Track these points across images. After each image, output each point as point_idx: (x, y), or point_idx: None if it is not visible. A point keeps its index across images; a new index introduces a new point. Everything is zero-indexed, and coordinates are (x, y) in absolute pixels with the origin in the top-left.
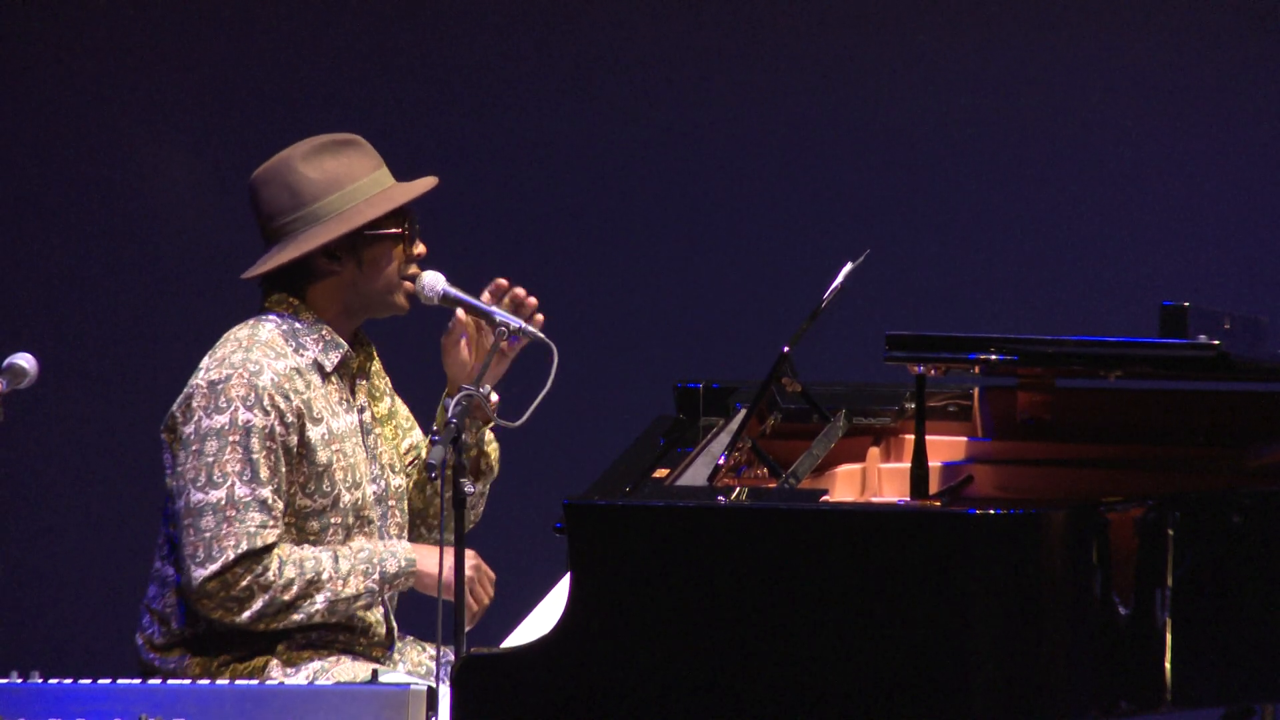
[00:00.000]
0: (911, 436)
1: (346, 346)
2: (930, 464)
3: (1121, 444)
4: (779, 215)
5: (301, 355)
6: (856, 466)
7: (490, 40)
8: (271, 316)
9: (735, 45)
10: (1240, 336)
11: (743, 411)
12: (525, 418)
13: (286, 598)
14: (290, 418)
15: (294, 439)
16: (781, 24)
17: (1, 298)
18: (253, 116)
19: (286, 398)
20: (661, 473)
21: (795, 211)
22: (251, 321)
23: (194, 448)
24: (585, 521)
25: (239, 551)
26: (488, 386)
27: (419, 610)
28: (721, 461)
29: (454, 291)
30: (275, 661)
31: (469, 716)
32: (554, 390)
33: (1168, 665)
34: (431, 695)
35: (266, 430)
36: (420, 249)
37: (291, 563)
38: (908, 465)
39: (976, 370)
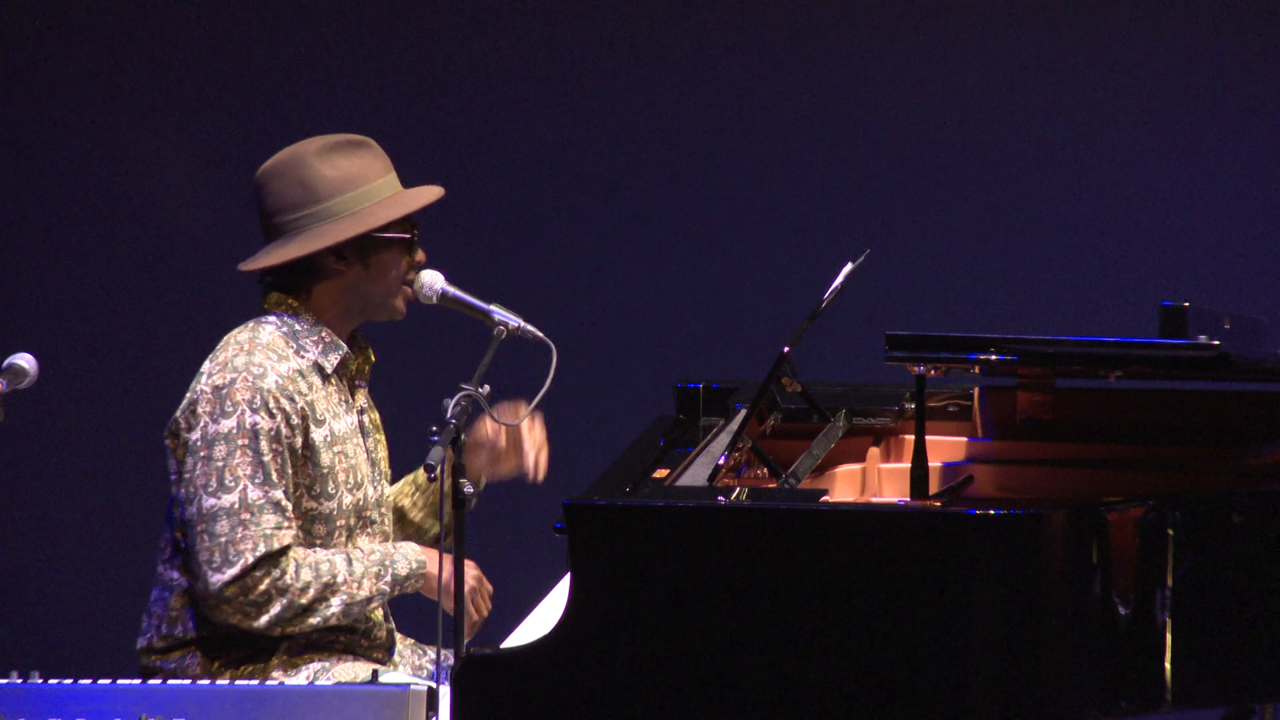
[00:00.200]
0: (911, 436)
1: (346, 348)
2: (930, 464)
3: (1121, 444)
4: (779, 215)
5: (302, 357)
6: (856, 466)
7: (490, 41)
8: (271, 318)
9: (735, 45)
10: (1240, 336)
11: (743, 411)
12: (525, 417)
13: (304, 601)
14: (295, 420)
15: (299, 441)
16: (781, 24)
17: (1, 298)
18: (253, 117)
19: (291, 400)
20: (661, 473)
21: (795, 211)
22: (252, 324)
23: (202, 454)
24: (585, 521)
25: (257, 554)
26: (487, 387)
27: (418, 612)
28: (721, 461)
29: (452, 290)
30: (275, 662)
31: (469, 716)
32: (554, 390)
33: (1168, 665)
34: (431, 695)
35: (274, 433)
36: (420, 256)
37: (307, 566)
38: (908, 465)
39: (976, 370)
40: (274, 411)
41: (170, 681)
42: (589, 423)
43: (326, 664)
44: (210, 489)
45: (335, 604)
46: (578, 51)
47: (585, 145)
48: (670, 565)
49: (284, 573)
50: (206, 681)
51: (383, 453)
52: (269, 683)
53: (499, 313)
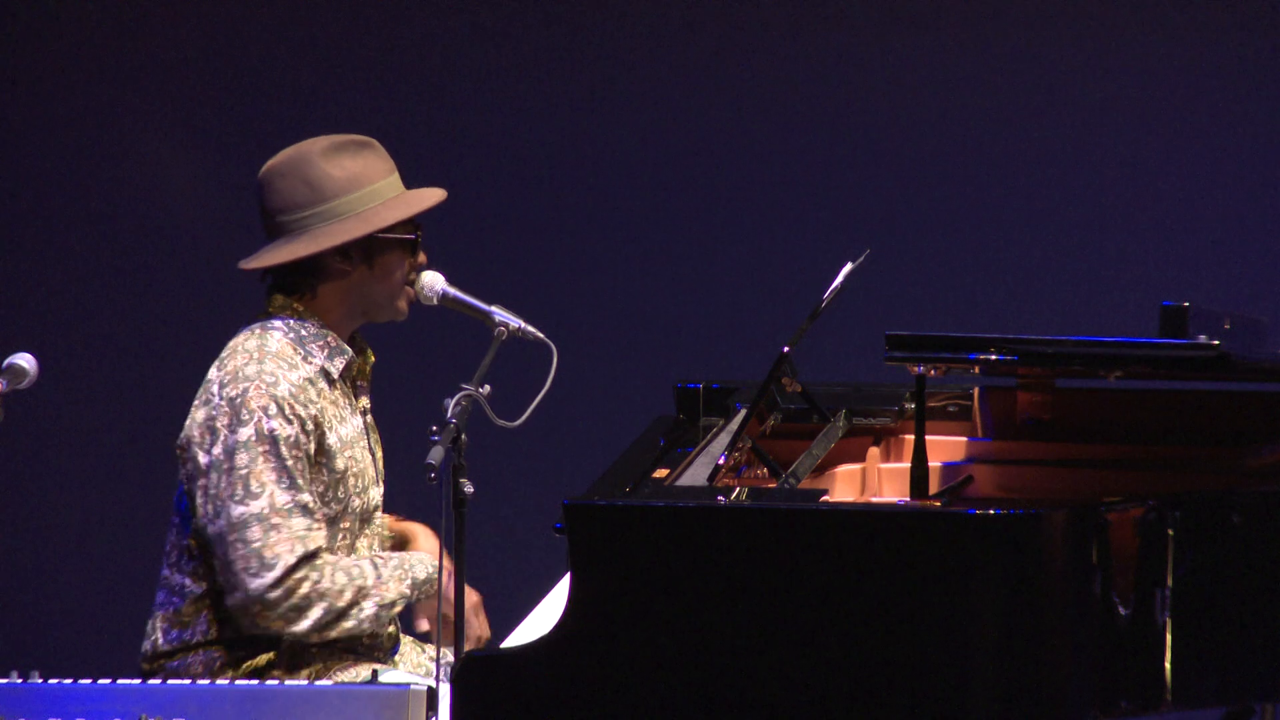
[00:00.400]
0: (911, 436)
1: (351, 352)
2: (930, 464)
3: (1121, 444)
4: (779, 215)
5: (310, 363)
6: (856, 466)
7: (491, 41)
8: (277, 323)
9: (735, 46)
10: (1240, 336)
11: (743, 411)
12: (525, 418)
13: (341, 604)
14: (310, 426)
15: (313, 447)
16: (781, 24)
17: (1, 298)
18: (254, 117)
19: (305, 406)
20: (661, 473)
21: (795, 211)
22: (258, 331)
23: (224, 465)
24: (585, 521)
25: (295, 555)
26: (487, 387)
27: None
28: (721, 461)
29: (453, 291)
30: (275, 661)
31: (469, 716)
32: (554, 390)
33: (1168, 665)
34: (431, 695)
35: (292, 439)
36: (421, 258)
37: (340, 569)
38: (908, 465)
39: (976, 370)
40: (290, 418)
41: (170, 681)
42: (589, 423)
43: (326, 663)
44: (237, 497)
45: (369, 607)
46: (577, 52)
47: (585, 146)
48: (670, 565)
49: (322, 575)
50: (206, 682)
51: (379, 452)
52: (269, 683)
53: (499, 314)
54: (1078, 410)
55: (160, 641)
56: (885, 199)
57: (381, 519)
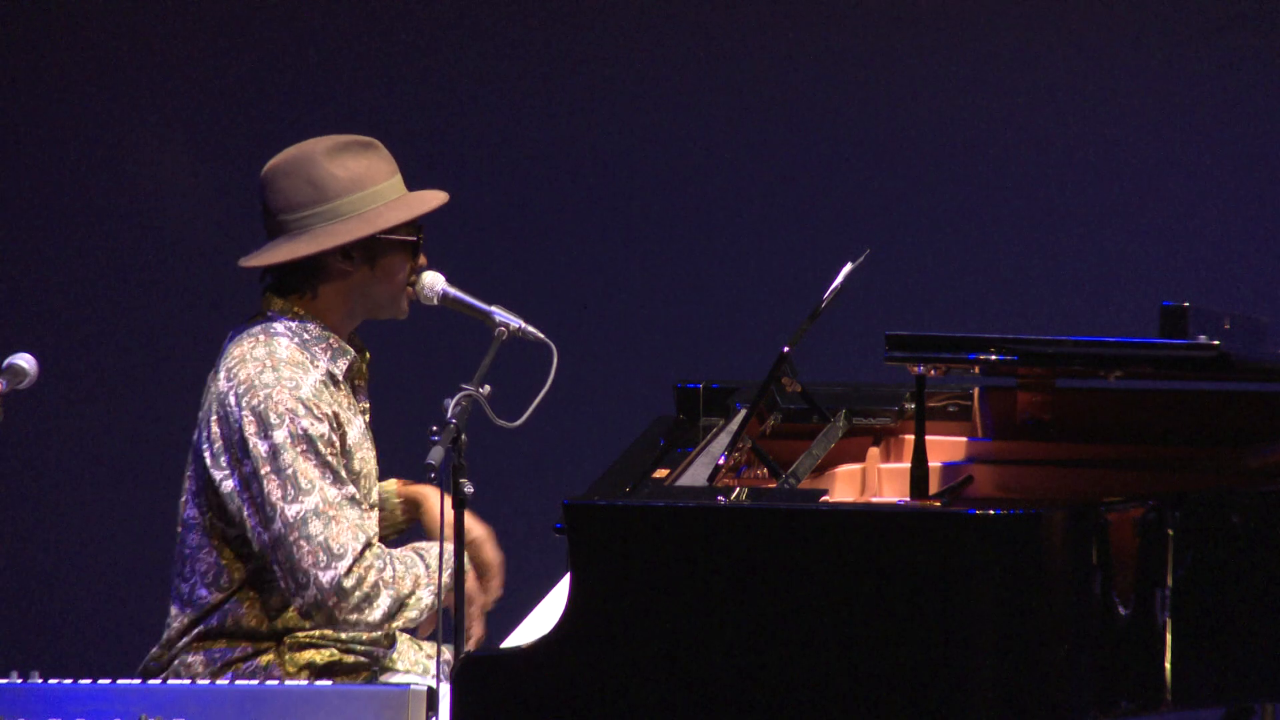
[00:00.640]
0: (911, 436)
1: (353, 353)
2: (930, 464)
3: (1121, 444)
4: (779, 215)
5: (317, 366)
6: (856, 466)
7: (491, 41)
8: (279, 328)
9: (735, 47)
10: (1240, 337)
11: (743, 411)
12: (525, 418)
13: (404, 592)
14: (335, 424)
15: (338, 446)
16: (781, 24)
17: (1, 298)
18: (254, 118)
19: (327, 406)
20: (661, 473)
21: (795, 211)
22: (262, 338)
23: (266, 471)
24: (585, 521)
25: (360, 542)
26: (487, 387)
27: None
28: (721, 461)
29: (453, 291)
30: (275, 661)
31: (469, 716)
32: (554, 390)
33: (1168, 665)
34: (431, 695)
35: (325, 436)
36: (422, 259)
37: (395, 559)
38: (908, 465)
39: (976, 370)
40: (319, 417)
41: (170, 681)
42: (589, 423)
43: (326, 663)
44: (289, 497)
45: (426, 596)
46: (578, 53)
47: (585, 146)
48: (670, 565)
49: (385, 564)
50: (206, 681)
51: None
52: (269, 683)
53: (500, 314)
54: (1078, 410)
55: (169, 646)
56: (885, 199)
57: (389, 484)
